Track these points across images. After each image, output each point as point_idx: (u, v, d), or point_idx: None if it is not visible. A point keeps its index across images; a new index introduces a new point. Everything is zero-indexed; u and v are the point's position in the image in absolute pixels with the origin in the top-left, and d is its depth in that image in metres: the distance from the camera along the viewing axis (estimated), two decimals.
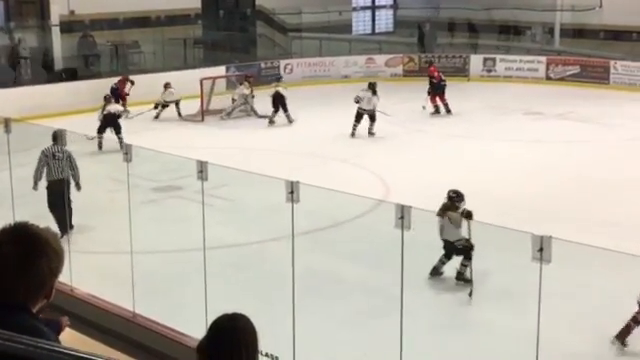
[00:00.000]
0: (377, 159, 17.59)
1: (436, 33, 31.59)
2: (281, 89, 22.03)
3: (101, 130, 18.34)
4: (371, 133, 20.33)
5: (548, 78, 28.17)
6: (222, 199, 13.28)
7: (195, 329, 6.59)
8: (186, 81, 23.31)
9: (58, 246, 2.69)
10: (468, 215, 10.30)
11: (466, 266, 10.42)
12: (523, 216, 13.24)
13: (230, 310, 3.47)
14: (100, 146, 18.00)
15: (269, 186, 9.23)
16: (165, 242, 12.21)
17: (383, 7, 37.00)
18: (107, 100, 19.20)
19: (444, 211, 10.56)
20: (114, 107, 19.05)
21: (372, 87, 20.54)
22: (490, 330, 9.46)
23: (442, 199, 13.85)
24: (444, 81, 23.29)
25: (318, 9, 31.83)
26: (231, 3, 31.61)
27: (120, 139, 17.43)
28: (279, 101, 21.84)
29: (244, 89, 22.81)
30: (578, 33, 30.25)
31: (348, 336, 9.25)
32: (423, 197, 13.40)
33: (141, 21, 28.05)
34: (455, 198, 10.67)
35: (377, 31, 36.39)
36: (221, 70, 26.05)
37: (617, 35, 29.26)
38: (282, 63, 28.15)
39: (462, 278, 10.49)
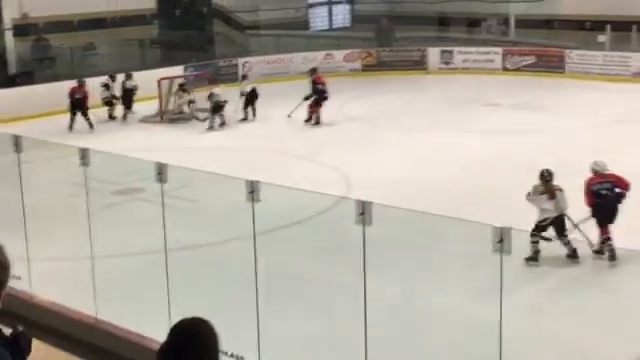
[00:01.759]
0: (338, 155, 17.60)
1: (393, 27, 31.68)
2: (248, 87, 22.25)
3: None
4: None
5: (505, 69, 28.42)
6: (183, 200, 13.19)
7: (159, 332, 6.54)
8: (144, 82, 23.12)
9: (3, 257, 2.64)
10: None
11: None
12: (484, 207, 13.35)
13: (193, 312, 3.44)
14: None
15: (230, 186, 9.18)
16: (126, 245, 12.09)
17: (340, 2, 37.02)
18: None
19: (553, 193, 10.80)
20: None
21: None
22: (448, 320, 9.50)
23: (403, 192, 13.98)
24: (327, 93, 21.54)
25: (275, 6, 31.79)
26: (187, 2, 31.42)
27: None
28: (250, 98, 22.05)
29: (186, 96, 22.56)
30: (532, 23, 30.54)
31: (312, 333, 9.24)
32: (385, 191, 13.51)
33: (96, 23, 27.80)
34: (550, 178, 10.97)
35: (334, 27, 36.42)
36: (179, 70, 25.87)
37: (571, 24, 29.58)
38: (240, 61, 28.06)
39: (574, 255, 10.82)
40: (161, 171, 8.50)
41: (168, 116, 22.41)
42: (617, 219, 10.90)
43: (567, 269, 10.79)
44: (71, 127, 20.61)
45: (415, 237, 11.37)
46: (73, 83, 21.54)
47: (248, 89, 22.29)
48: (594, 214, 10.99)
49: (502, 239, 6.43)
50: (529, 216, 13.00)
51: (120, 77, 22.90)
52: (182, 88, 22.93)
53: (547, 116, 21.34)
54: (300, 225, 12.52)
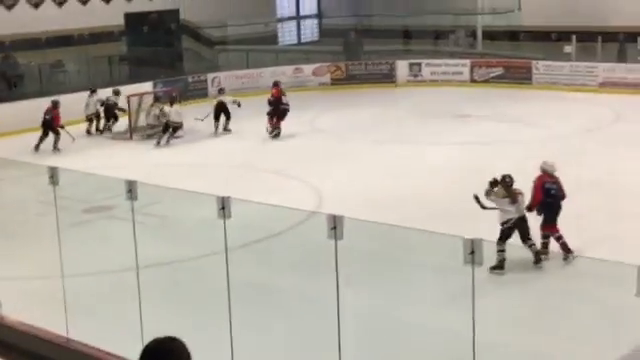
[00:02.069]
0: (309, 169, 17.61)
1: (361, 41, 31.84)
2: (226, 99, 22.58)
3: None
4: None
5: (473, 80, 28.65)
6: (154, 217, 13.14)
7: (132, 351, 6.50)
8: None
9: None
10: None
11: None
12: (456, 218, 13.42)
13: (166, 329, 3.43)
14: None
15: (201, 201, 9.16)
16: (97, 263, 12.02)
17: (308, 17, 37.19)
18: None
19: (515, 196, 11.08)
20: None
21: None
22: (422, 331, 9.53)
23: (374, 205, 14.03)
24: (287, 105, 21.58)
25: (243, 21, 31.81)
26: (155, 19, 31.34)
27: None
28: (222, 111, 22.29)
29: (155, 110, 22.47)
30: (499, 35, 30.84)
31: (286, 347, 9.22)
32: (356, 204, 13.55)
33: (64, 40, 27.64)
34: (511, 183, 11.26)
35: (303, 41, 36.55)
36: (148, 86, 25.78)
37: (536, 36, 29.93)
38: (209, 76, 28.03)
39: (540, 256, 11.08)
40: (131, 188, 8.46)
41: (141, 133, 22.30)
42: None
43: (533, 274, 10.87)
44: (37, 146, 20.39)
45: (387, 249, 11.40)
46: (45, 102, 21.40)
47: (224, 100, 22.56)
48: (544, 211, 11.36)
49: (473, 250, 6.46)
50: (495, 225, 13.12)
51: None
52: (157, 99, 22.91)
53: (516, 127, 21.52)
54: (272, 240, 12.51)
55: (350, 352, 7.63)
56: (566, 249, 11.18)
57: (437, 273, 10.53)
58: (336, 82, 29.44)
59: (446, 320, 9.47)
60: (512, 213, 11.03)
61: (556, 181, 11.66)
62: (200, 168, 18.44)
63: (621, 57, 27.35)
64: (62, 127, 20.61)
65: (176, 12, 31.37)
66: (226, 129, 22.43)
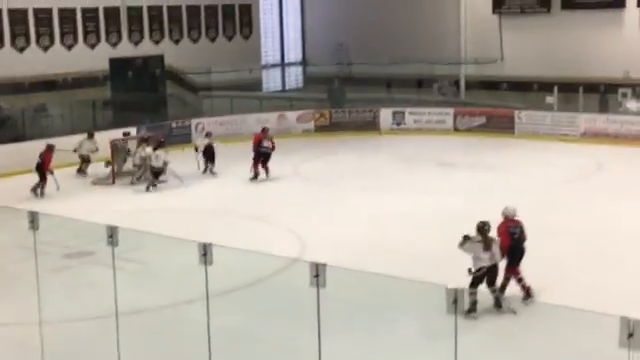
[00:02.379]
0: (292, 216, 17.57)
1: (344, 88, 32.06)
2: (213, 143, 23.00)
3: None
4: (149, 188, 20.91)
5: (456, 129, 28.82)
6: (135, 263, 13.02)
7: None
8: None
9: None
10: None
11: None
12: (439, 267, 13.39)
13: None
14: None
15: (182, 248, 9.09)
16: (77, 310, 11.88)
17: (293, 64, 37.46)
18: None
19: (490, 243, 11.35)
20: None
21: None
22: None
23: (357, 253, 13.99)
24: (266, 147, 21.89)
25: (228, 68, 32.00)
26: (140, 64, 31.49)
27: None
28: (209, 154, 22.76)
29: (141, 152, 22.44)
30: (482, 85, 31.15)
31: None
32: (339, 252, 13.49)
33: (48, 84, 27.70)
34: (488, 230, 11.52)
35: (287, 88, 36.77)
36: (131, 131, 25.73)
37: (519, 86, 30.26)
38: (193, 122, 28.05)
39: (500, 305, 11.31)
40: (112, 234, 8.41)
41: (124, 178, 22.22)
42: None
43: (515, 325, 10.82)
44: (34, 189, 20.23)
45: (369, 298, 11.32)
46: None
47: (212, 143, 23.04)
48: (508, 255, 11.67)
49: (456, 299, 6.44)
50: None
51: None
52: (144, 141, 22.87)
53: (498, 176, 21.61)
54: (254, 287, 12.41)
55: None
56: (527, 291, 11.49)
57: (420, 321, 10.46)
58: (320, 129, 29.54)
59: None
60: (485, 261, 11.17)
61: (518, 224, 12.06)
62: (182, 213, 18.36)
63: (602, 108, 27.66)
64: (51, 172, 20.42)
65: (161, 58, 31.58)
66: (212, 172, 22.65)
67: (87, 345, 10.74)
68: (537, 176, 21.38)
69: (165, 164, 21.39)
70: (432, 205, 18.44)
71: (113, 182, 21.95)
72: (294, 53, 37.82)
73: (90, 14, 29.59)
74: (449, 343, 6.60)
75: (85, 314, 11.61)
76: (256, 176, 21.70)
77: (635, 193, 19.05)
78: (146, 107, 29.78)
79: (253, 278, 12.48)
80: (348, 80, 33.26)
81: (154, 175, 21.12)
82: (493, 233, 11.62)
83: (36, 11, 27.96)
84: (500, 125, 28.06)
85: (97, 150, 22.94)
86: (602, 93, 28.15)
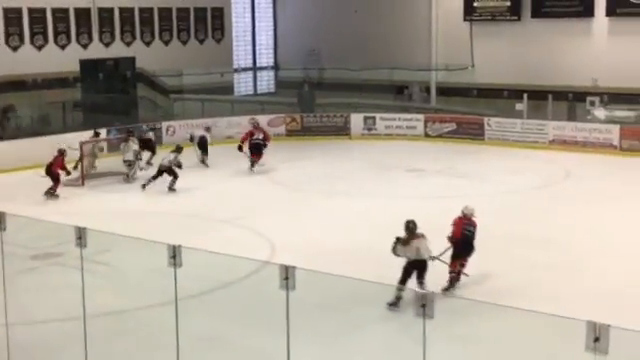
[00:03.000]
0: (262, 219, 17.55)
1: (315, 93, 32.10)
2: (207, 136, 24.65)
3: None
4: (171, 188, 20.84)
5: (426, 135, 28.96)
6: (104, 265, 12.93)
7: None
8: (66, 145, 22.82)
9: None
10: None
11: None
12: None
13: None
14: None
15: (152, 250, 9.05)
16: (44, 312, 11.78)
17: (264, 68, 37.44)
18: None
19: (409, 241, 12.11)
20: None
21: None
22: None
23: (327, 257, 14.04)
24: (257, 139, 23.66)
25: (199, 71, 31.91)
26: (110, 66, 31.30)
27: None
28: (203, 145, 24.31)
29: (133, 145, 22.55)
30: (453, 91, 31.32)
31: None
32: (309, 256, 13.49)
33: (17, 85, 27.44)
34: (414, 227, 12.29)
35: (259, 92, 36.73)
36: (102, 133, 25.59)
37: (489, 93, 30.48)
38: (164, 125, 27.94)
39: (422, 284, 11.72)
40: (81, 235, 8.35)
41: (94, 179, 22.13)
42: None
43: (481, 327, 10.90)
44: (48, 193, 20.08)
45: (339, 301, 11.36)
46: None
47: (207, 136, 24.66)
48: (456, 247, 12.80)
49: (425, 304, 6.48)
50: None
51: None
52: (129, 137, 22.90)
53: (468, 182, 21.74)
54: (223, 290, 12.38)
55: None
56: (451, 285, 12.50)
57: (388, 325, 10.50)
58: (291, 133, 29.56)
59: None
60: (413, 256, 11.95)
61: (473, 224, 13.03)
62: (152, 215, 18.29)
63: (571, 116, 27.94)
64: (67, 172, 20.46)
65: (132, 60, 31.40)
66: (204, 163, 24.12)
67: (55, 347, 10.66)
68: (506, 183, 21.53)
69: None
70: (401, 210, 18.46)
71: (82, 183, 21.80)
72: (266, 57, 37.81)
73: (60, 14, 29.34)
74: (417, 347, 6.63)
75: (53, 316, 11.52)
76: (253, 164, 23.15)
77: (602, 200, 19.25)
78: (116, 109, 29.60)
79: (223, 281, 12.45)
80: (320, 85, 33.34)
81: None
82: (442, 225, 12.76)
83: (6, 11, 27.71)
84: (470, 132, 28.25)
85: (102, 150, 23.73)
86: (571, 101, 28.43)
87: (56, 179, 20.23)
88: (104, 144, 24.62)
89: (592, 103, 27.90)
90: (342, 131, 29.57)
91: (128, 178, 22.10)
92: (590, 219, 17.52)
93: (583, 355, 5.64)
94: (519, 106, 28.42)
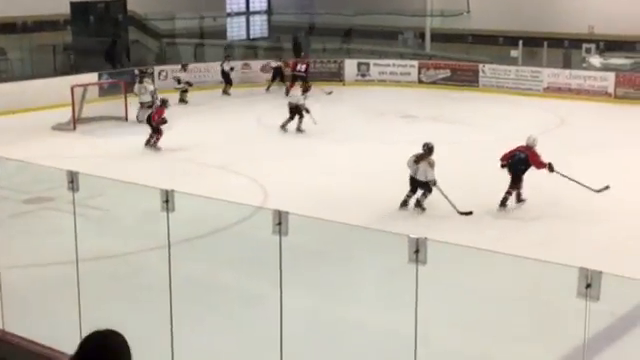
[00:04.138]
0: (255, 165, 17.52)
1: (309, 39, 31.80)
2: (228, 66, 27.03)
3: None
4: (299, 129, 21.18)
5: (420, 82, 28.83)
6: (97, 209, 12.91)
7: (70, 345, 6.36)
8: (56, 88, 22.65)
9: None
10: (432, 165, 14.09)
11: (426, 196, 14.14)
12: (401, 217, 13.50)
13: (106, 324, 3.34)
14: None
15: (145, 195, 9.01)
16: (36, 255, 11.78)
17: (257, 13, 37.02)
18: None
19: (419, 159, 14.17)
20: None
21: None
22: (366, 331, 9.53)
23: (321, 202, 14.07)
24: (299, 71, 26.84)
25: (192, 14, 31.56)
26: (102, 9, 30.91)
27: None
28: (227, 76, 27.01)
29: (149, 86, 22.50)
30: (448, 38, 31.09)
31: (228, 345, 9.14)
32: (302, 201, 13.51)
33: (7, 27, 27.09)
34: (428, 151, 14.22)
35: (252, 37, 36.38)
36: (93, 77, 25.42)
37: (484, 39, 30.25)
38: (156, 69, 27.72)
39: (419, 205, 14.17)
40: (73, 179, 8.29)
41: (85, 123, 22.01)
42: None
43: (475, 277, 10.96)
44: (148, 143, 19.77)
45: (332, 247, 11.38)
46: None
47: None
48: (509, 172, 14.43)
49: (418, 249, 6.46)
50: (444, 224, 13.22)
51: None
52: (144, 78, 22.99)
53: (461, 129, 21.69)
54: (216, 235, 12.40)
55: (292, 350, 7.58)
56: (502, 204, 14.19)
57: (382, 271, 10.53)
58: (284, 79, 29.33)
59: (389, 319, 9.48)
60: (414, 175, 14.14)
61: (523, 151, 14.40)
62: (145, 160, 18.24)
63: (566, 63, 27.79)
64: (164, 122, 19.73)
65: (123, 3, 30.98)
66: (226, 92, 26.85)
67: (47, 291, 10.69)
68: (500, 129, 21.46)
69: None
70: (394, 156, 18.45)
71: (74, 128, 21.69)
72: (259, 1, 37.38)
73: None
74: (410, 293, 6.64)
75: (46, 260, 11.53)
76: (287, 92, 25.78)
77: (596, 147, 19.25)
78: (108, 53, 29.31)
79: (215, 226, 12.46)
80: (313, 30, 33.01)
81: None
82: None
83: None
84: (464, 78, 28.13)
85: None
86: (566, 48, 28.26)
87: (157, 130, 19.65)
88: (96, 88, 24.49)
89: (588, 50, 27.77)
90: (335, 77, 29.41)
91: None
92: (584, 165, 17.51)
93: (574, 301, 5.65)
94: (514, 53, 28.26)
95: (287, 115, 21.11)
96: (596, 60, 27.21)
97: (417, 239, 6.46)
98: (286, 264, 7.25)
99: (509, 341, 9.16)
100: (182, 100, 24.87)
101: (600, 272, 5.67)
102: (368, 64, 29.49)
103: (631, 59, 26.95)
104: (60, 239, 10.50)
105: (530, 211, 14.33)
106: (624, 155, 18.59)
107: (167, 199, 7.60)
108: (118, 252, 11.84)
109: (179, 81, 25.16)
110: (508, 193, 14.30)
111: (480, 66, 27.99)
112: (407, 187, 14.55)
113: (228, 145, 19.96)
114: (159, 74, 27.51)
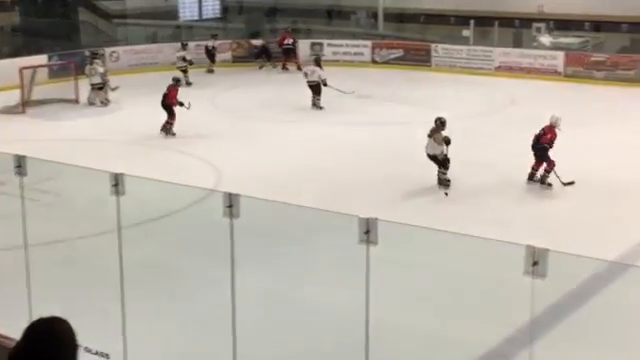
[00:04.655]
0: (209, 147, 17.45)
1: (263, 19, 31.65)
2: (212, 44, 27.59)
3: None
4: (317, 106, 21.43)
5: (374, 62, 28.87)
6: (47, 193, 12.77)
7: (20, 332, 6.30)
8: (4, 70, 22.28)
9: None
10: (447, 141, 14.39)
11: (444, 174, 14.43)
12: (355, 198, 13.55)
13: (56, 310, 3.32)
14: None
15: (95, 178, 8.93)
16: None
17: None
18: None
19: (433, 133, 14.45)
20: None
21: (316, 61, 22.59)
22: (318, 311, 9.58)
23: (272, 184, 14.07)
24: (287, 44, 28.19)
25: None
26: None
27: None
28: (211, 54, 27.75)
29: (99, 67, 22.24)
30: (400, 17, 31.14)
31: (181, 328, 9.13)
32: (256, 183, 13.49)
33: None
34: (440, 125, 14.58)
35: (204, 17, 36.04)
36: (42, 59, 25.03)
37: (436, 19, 30.35)
38: (107, 51, 27.37)
39: (442, 183, 14.42)
40: (20, 164, 8.18)
41: (34, 106, 21.71)
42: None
43: (425, 256, 11.07)
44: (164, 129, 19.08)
45: (285, 229, 11.39)
46: None
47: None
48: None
49: (368, 230, 6.51)
50: (398, 206, 13.31)
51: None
52: (96, 56, 22.67)
53: (415, 108, 21.78)
54: (167, 218, 12.34)
55: (245, 333, 7.60)
56: (543, 181, 14.67)
57: (333, 253, 10.58)
58: (238, 60, 29.20)
59: (341, 299, 9.53)
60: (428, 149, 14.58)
61: (544, 129, 14.92)
62: (95, 143, 18.04)
63: (517, 42, 28.03)
64: (181, 104, 18.99)
65: None
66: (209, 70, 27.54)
67: None
68: (452, 109, 21.55)
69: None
70: (348, 136, 18.53)
71: (23, 111, 21.37)
72: None
73: None
74: (360, 273, 6.69)
75: None
76: (284, 67, 27.75)
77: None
78: (57, 34, 28.85)
79: (167, 209, 12.39)
80: (267, 10, 32.83)
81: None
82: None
83: None
84: (417, 58, 28.21)
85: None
86: (517, 28, 28.49)
87: (171, 113, 18.99)
88: (46, 70, 24.12)
89: (538, 30, 28.00)
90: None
91: (103, 102, 21.79)
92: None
93: (521, 279, 5.74)
94: (466, 32, 28.41)
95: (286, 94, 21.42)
96: (546, 39, 27.49)
97: (367, 219, 6.50)
98: (239, 246, 7.26)
99: (459, 318, 9.28)
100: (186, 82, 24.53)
101: (547, 250, 5.76)
102: (321, 44, 29.44)
103: (580, 38, 27.27)
104: (9, 224, 10.35)
105: (485, 190, 14.47)
106: (572, 132, 18.82)
107: (117, 183, 7.55)
108: (68, 237, 11.72)
109: (184, 59, 24.96)
110: (547, 172, 14.69)
111: (432, 46, 28.11)
112: (358, 165, 14.60)
113: (180, 127, 19.80)
114: (110, 55, 27.16)
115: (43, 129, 19.66)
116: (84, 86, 22.17)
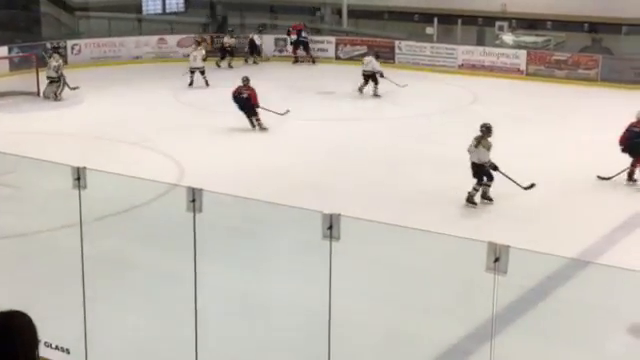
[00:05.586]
0: (171, 142, 17.33)
1: (227, 13, 31.53)
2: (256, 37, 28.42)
3: None
4: (375, 94, 22.36)
5: (337, 58, 28.91)
6: (6, 187, 12.63)
7: None
8: None
9: None
10: (487, 147, 13.51)
11: (489, 185, 13.56)
12: (319, 193, 13.55)
13: (17, 304, 3.28)
14: None
15: (57, 172, 8.83)
16: None
17: None
18: None
19: (479, 140, 13.48)
20: None
21: (376, 54, 23.88)
22: (281, 306, 9.58)
23: (236, 179, 14.03)
24: (305, 38, 28.68)
25: None
26: None
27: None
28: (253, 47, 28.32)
29: (53, 61, 21.93)
30: (364, 14, 31.18)
31: (142, 323, 9.07)
32: (219, 179, 13.45)
33: None
34: (486, 131, 13.62)
35: (168, 11, 35.80)
36: (3, 51, 24.71)
37: (400, 16, 30.44)
38: (69, 43, 27.08)
39: (486, 197, 13.59)
40: None
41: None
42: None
43: (386, 253, 11.12)
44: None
45: (248, 224, 11.37)
46: None
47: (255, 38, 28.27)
48: (628, 148, 14.52)
49: (331, 225, 6.52)
50: (357, 201, 13.34)
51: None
52: (57, 51, 22.36)
53: (378, 105, 21.88)
54: (129, 213, 12.24)
55: (207, 327, 7.58)
56: (629, 178, 14.57)
57: (296, 248, 10.58)
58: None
59: (304, 294, 9.54)
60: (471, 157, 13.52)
61: (637, 125, 14.47)
62: (57, 137, 17.85)
63: (480, 40, 28.23)
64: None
65: None
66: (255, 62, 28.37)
67: None
68: (415, 106, 21.74)
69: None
70: (312, 133, 18.54)
71: None
72: None
73: None
74: (324, 268, 6.71)
75: None
76: (296, 60, 28.32)
77: (507, 123, 19.59)
78: (18, 26, 28.48)
79: (129, 204, 12.30)
80: (231, 5, 32.69)
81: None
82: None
83: None
84: (381, 55, 28.23)
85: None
86: (480, 26, 28.69)
87: (254, 112, 18.79)
88: (6, 62, 23.82)
89: (501, 28, 28.23)
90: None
91: (56, 97, 21.48)
92: (494, 141, 17.84)
93: (483, 275, 5.79)
94: (429, 30, 28.54)
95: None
96: (509, 38, 27.72)
97: (331, 215, 6.52)
98: (201, 241, 7.23)
99: (421, 313, 9.34)
100: (229, 65, 27.18)
101: (508, 246, 5.82)
102: (285, 40, 29.41)
103: (542, 37, 27.55)
104: None
105: (439, 186, 14.56)
106: (533, 130, 19.05)
107: (78, 176, 7.48)
108: (28, 230, 11.59)
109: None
110: (634, 166, 14.66)
111: (396, 43, 28.21)
112: (321, 161, 14.58)
113: (144, 121, 19.68)
114: (72, 48, 26.87)
115: (3, 122, 19.40)
116: (45, 79, 21.90)
